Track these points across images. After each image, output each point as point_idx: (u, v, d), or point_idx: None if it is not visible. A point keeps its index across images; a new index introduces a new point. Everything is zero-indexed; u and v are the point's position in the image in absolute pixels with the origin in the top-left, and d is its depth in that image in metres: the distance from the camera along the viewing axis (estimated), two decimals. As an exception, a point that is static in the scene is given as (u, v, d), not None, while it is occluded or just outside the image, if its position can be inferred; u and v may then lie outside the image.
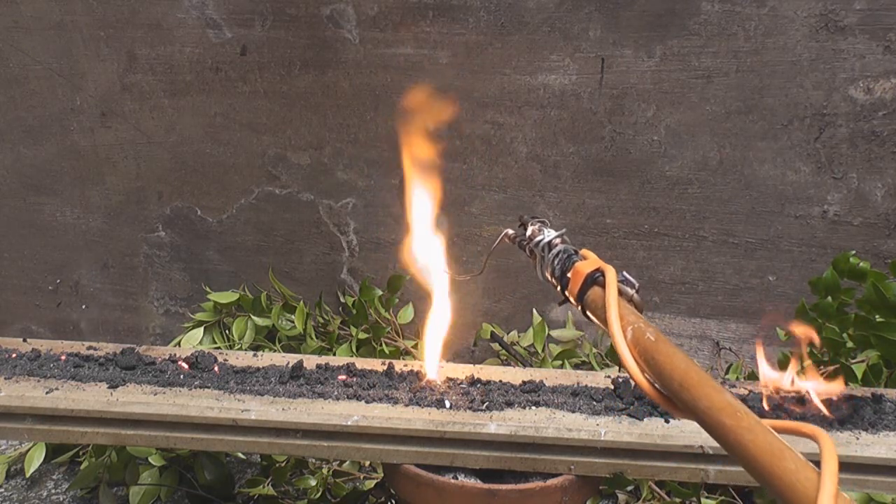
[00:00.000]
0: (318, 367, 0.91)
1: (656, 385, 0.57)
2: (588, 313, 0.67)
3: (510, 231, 0.83)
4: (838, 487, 0.39)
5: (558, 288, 0.73)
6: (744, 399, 0.85)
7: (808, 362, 0.77)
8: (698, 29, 1.27)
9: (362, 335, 1.35)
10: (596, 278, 0.67)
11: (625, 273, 0.67)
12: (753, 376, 1.26)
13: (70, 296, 1.57)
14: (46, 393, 0.84)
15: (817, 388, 0.72)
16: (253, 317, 1.39)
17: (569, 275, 0.70)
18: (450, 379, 0.89)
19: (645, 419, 0.82)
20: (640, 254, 1.40)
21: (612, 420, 0.81)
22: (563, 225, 1.32)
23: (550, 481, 0.78)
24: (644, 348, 0.57)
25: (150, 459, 1.22)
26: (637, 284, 0.66)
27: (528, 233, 0.78)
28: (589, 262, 0.69)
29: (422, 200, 0.89)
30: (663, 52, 1.29)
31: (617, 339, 0.60)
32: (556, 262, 0.73)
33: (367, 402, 0.84)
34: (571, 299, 0.70)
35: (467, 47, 1.33)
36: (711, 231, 1.37)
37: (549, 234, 0.76)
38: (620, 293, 0.64)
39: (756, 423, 0.45)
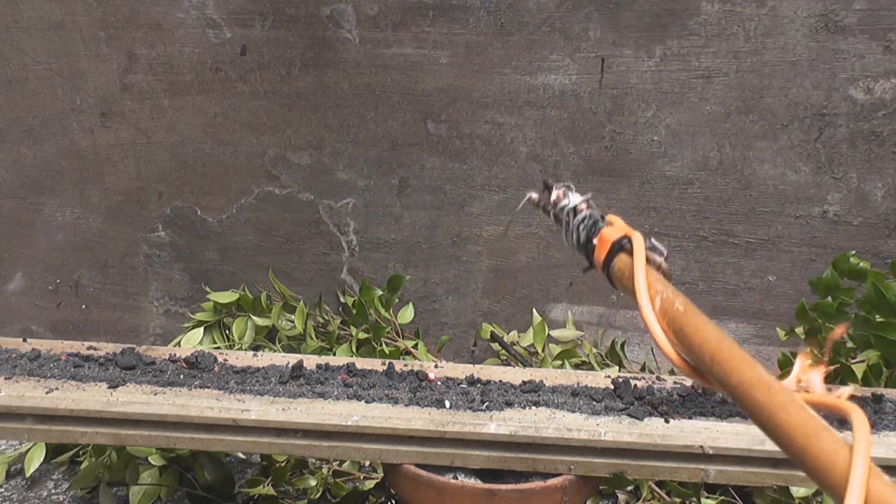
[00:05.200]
0: (318, 367, 0.91)
1: (686, 358, 0.54)
2: (615, 282, 0.64)
3: (534, 195, 0.78)
4: (872, 466, 0.37)
5: (584, 256, 0.70)
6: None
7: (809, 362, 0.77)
8: (698, 29, 1.27)
9: (362, 335, 1.35)
10: (623, 245, 0.64)
11: (653, 240, 0.64)
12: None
13: (70, 296, 1.57)
14: (46, 393, 0.84)
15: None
16: (253, 317, 1.39)
17: (594, 241, 0.67)
18: (449, 379, 0.89)
19: (645, 419, 0.82)
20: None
21: (612, 420, 0.81)
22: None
23: (550, 481, 0.78)
24: (673, 319, 0.55)
25: (150, 459, 1.22)
26: (665, 252, 0.63)
27: (553, 197, 0.75)
28: (615, 228, 0.66)
29: None
30: (663, 52, 1.29)
31: (645, 310, 0.57)
32: (581, 229, 0.70)
33: (367, 402, 0.84)
34: (597, 268, 0.67)
35: (467, 47, 1.33)
36: (711, 231, 1.37)
37: (575, 199, 0.72)
38: (648, 261, 0.61)
39: (790, 401, 0.43)
